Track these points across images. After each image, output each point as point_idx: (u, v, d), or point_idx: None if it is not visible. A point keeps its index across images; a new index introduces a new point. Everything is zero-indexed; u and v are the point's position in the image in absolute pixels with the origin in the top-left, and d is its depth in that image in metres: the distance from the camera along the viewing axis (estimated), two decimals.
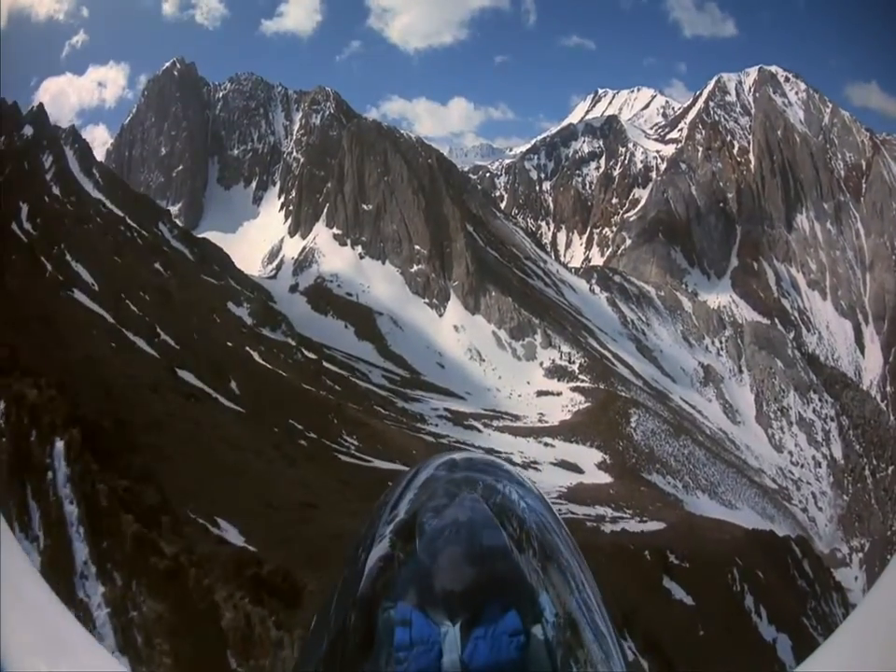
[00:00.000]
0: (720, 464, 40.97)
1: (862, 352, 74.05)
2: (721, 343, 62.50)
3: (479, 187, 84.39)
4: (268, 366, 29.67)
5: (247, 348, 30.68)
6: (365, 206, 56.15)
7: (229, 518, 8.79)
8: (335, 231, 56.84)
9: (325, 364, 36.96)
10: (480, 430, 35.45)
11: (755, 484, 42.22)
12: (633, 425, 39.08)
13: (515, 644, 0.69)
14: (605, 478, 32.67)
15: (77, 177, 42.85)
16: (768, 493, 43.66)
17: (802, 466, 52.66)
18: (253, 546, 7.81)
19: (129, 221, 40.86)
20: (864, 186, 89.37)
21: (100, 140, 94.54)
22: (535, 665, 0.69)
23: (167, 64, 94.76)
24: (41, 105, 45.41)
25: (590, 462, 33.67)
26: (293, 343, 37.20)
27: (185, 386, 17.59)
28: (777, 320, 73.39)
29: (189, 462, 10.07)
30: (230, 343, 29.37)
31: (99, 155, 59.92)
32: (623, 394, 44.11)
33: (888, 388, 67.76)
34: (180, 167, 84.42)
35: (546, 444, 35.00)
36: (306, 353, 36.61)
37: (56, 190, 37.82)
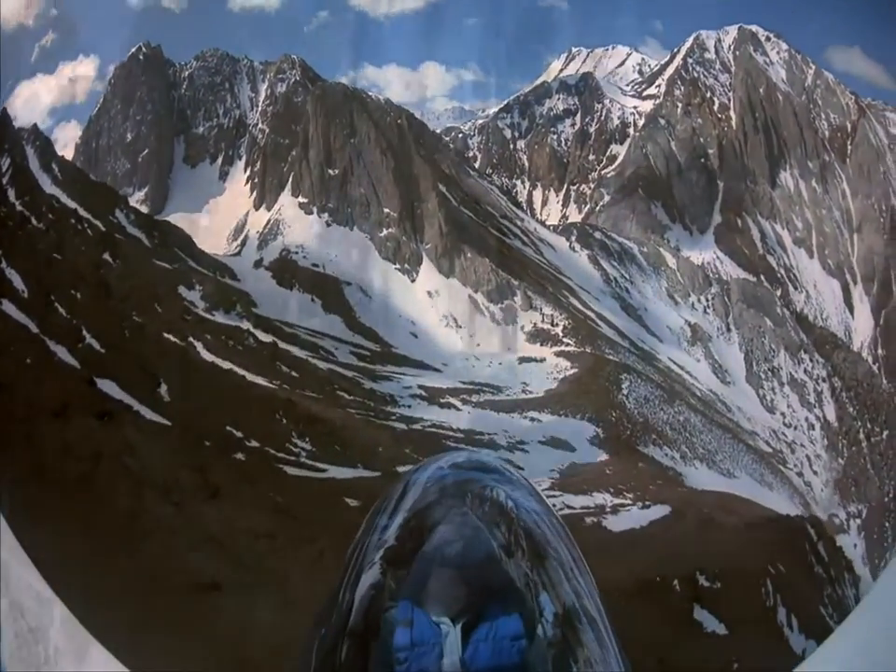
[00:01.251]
0: (715, 430, 39.60)
1: (852, 313, 73.63)
2: (707, 300, 61.40)
3: (451, 146, 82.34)
4: (211, 359, 26.78)
5: (190, 339, 27.77)
6: (331, 171, 53.84)
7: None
8: (301, 199, 54.64)
9: (282, 347, 33.97)
10: (458, 408, 32.62)
11: (751, 449, 41.11)
12: (625, 392, 37.06)
13: (517, 647, 0.73)
14: (599, 455, 30.19)
15: (34, 174, 40.91)
16: (764, 458, 42.57)
17: (795, 428, 51.72)
18: None
19: (80, 213, 38.49)
20: (850, 148, 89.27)
21: (73, 136, 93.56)
22: (535, 667, 0.73)
23: (133, 50, 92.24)
24: (3, 109, 42.89)
25: (582, 437, 30.88)
26: (244, 328, 34.18)
27: (100, 402, 15.05)
28: (763, 277, 72.65)
29: (66, 524, 7.52)
30: (169, 336, 26.47)
31: (70, 150, 60.23)
32: (612, 357, 42.25)
33: (879, 351, 67.53)
34: (146, 151, 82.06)
35: (532, 420, 32.27)
36: (260, 336, 33.57)
37: (11, 193, 35.59)
